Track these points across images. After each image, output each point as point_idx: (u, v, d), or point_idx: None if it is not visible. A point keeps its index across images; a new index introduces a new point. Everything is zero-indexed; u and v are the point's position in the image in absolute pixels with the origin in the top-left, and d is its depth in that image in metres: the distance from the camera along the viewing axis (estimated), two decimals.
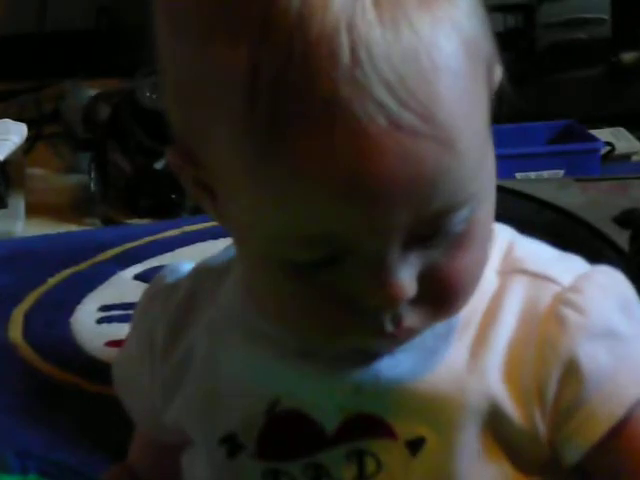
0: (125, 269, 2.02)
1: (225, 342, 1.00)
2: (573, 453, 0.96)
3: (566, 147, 2.31)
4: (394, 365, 0.95)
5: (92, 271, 2.04)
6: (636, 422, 0.95)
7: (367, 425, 0.96)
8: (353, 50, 0.80)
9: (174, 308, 1.04)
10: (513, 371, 0.95)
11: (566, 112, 2.39)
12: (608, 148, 2.37)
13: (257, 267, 0.93)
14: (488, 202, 0.92)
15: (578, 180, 2.10)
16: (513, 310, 0.96)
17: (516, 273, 0.97)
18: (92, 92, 2.37)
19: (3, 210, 2.23)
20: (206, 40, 0.86)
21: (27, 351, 1.84)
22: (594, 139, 2.35)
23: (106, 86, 2.40)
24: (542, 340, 0.95)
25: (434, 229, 0.86)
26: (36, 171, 2.36)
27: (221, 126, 0.86)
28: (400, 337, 0.91)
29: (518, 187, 1.96)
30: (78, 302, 1.93)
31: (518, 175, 2.04)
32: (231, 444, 0.99)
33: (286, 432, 0.97)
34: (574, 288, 0.95)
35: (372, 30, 0.82)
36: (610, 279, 0.98)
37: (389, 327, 0.89)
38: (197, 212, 2.17)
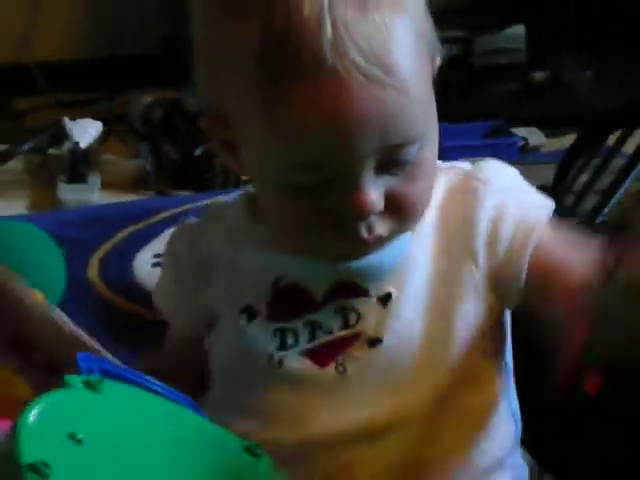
0: (171, 227, 2.02)
1: (238, 245, 1.02)
2: (515, 272, 0.97)
3: (494, 141, 2.34)
4: None
5: (148, 229, 2.04)
6: (548, 242, 0.97)
7: (346, 289, 0.98)
8: (334, 25, 0.85)
9: (189, 239, 1.06)
10: (442, 225, 0.98)
11: (494, 116, 2.39)
12: (524, 142, 2.38)
13: (269, 193, 0.95)
14: (433, 144, 0.94)
15: None
16: (441, 187, 0.99)
17: (443, 170, 1.00)
18: (149, 99, 2.37)
19: (84, 185, 2.22)
20: (226, 19, 0.90)
21: (102, 287, 1.84)
22: (514, 135, 2.39)
23: (159, 95, 2.39)
24: (464, 201, 0.99)
25: (394, 158, 0.90)
26: (108, 157, 2.35)
27: (239, 84, 0.89)
28: (372, 243, 0.93)
29: None
30: (138, 251, 1.94)
31: (460, 160, 2.02)
32: (249, 312, 1.00)
33: (287, 300, 0.99)
34: (474, 170, 1.00)
35: (348, 12, 0.85)
36: (495, 161, 1.03)
37: (364, 233, 0.91)
38: (224, 187, 2.17)
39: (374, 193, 0.90)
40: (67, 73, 2.73)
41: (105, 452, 0.82)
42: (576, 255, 0.95)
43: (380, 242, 0.94)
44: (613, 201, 1.33)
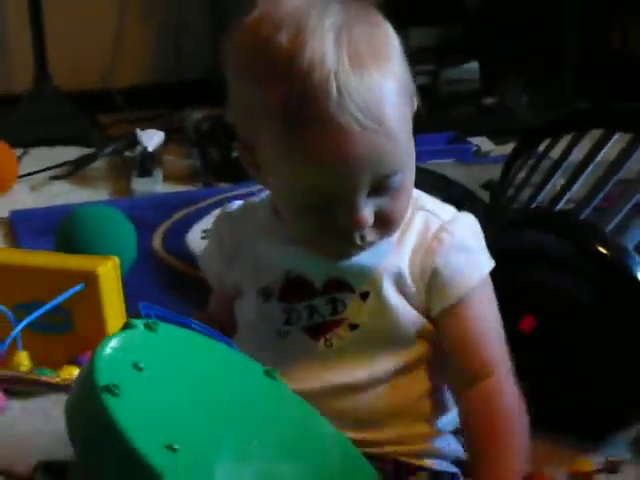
0: (216, 210, 2.01)
1: (263, 238, 1.02)
2: (436, 307, 0.98)
3: (455, 146, 2.31)
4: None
5: (197, 211, 2.02)
6: (470, 300, 0.98)
7: (337, 284, 0.99)
8: (338, 88, 0.86)
9: (231, 223, 1.06)
10: (412, 263, 0.97)
11: (455, 129, 2.36)
12: (477, 148, 2.35)
13: (285, 206, 0.96)
14: (411, 172, 0.95)
15: (461, 164, 2.08)
16: (416, 230, 0.98)
17: (419, 210, 1.00)
18: (199, 115, 2.37)
19: (150, 178, 2.20)
20: (257, 86, 0.90)
21: (163, 254, 1.84)
22: (469, 143, 2.36)
23: (206, 112, 2.38)
24: (428, 249, 0.98)
25: (383, 186, 0.92)
26: (169, 157, 2.32)
27: (267, 131, 0.90)
28: (364, 247, 0.95)
29: (430, 168, 1.94)
30: (190, 227, 1.95)
31: (429, 162, 2.01)
32: (265, 293, 1.01)
33: (294, 287, 0.98)
34: (449, 222, 0.99)
35: (348, 77, 0.86)
36: (469, 218, 1.01)
37: (358, 241, 0.94)
38: (253, 180, 2.17)
39: (367, 213, 0.91)
40: (139, 95, 2.72)
41: (160, 378, 0.82)
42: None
43: (369, 246, 0.95)
44: (543, 193, 1.33)
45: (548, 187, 1.30)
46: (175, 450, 0.73)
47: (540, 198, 1.30)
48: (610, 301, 1.18)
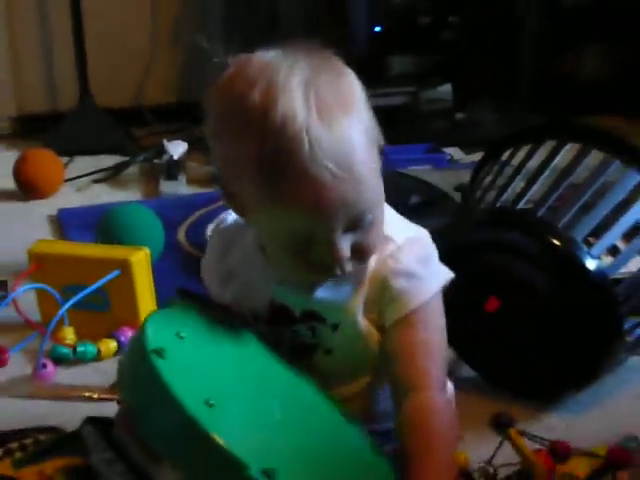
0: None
1: (250, 268, 0.96)
2: (384, 321, 0.94)
3: (432, 155, 2.26)
4: (327, 293, 0.94)
5: (216, 210, 1.97)
6: (415, 318, 0.93)
7: (312, 315, 0.94)
8: (310, 142, 0.81)
9: (224, 245, 1.00)
10: (368, 290, 0.93)
11: (432, 140, 2.33)
12: (450, 156, 2.32)
13: (269, 245, 0.92)
14: (381, 208, 0.90)
15: (437, 170, 2.07)
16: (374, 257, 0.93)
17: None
18: None
19: (176, 182, 2.18)
20: (231, 140, 0.85)
21: (186, 245, 1.83)
22: (444, 152, 2.32)
23: None
24: (378, 276, 0.93)
25: (356, 224, 0.87)
26: (191, 164, 2.29)
27: (245, 179, 0.85)
28: (343, 276, 0.90)
29: (411, 173, 1.93)
30: (209, 223, 1.91)
31: (410, 168, 2.00)
32: (255, 316, 0.97)
33: (278, 314, 0.95)
34: (399, 248, 0.93)
35: (318, 130, 0.81)
36: (419, 243, 0.95)
37: (338, 272, 0.89)
38: None
39: (344, 248, 0.87)
40: (166, 112, 2.71)
41: (197, 346, 0.83)
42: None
43: (347, 274, 0.91)
44: (506, 194, 1.33)
45: (510, 190, 1.30)
46: (212, 405, 0.74)
47: (503, 199, 1.30)
48: (561, 285, 1.19)
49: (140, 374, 0.77)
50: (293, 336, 0.95)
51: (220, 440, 0.71)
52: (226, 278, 0.99)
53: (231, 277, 0.98)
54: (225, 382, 0.81)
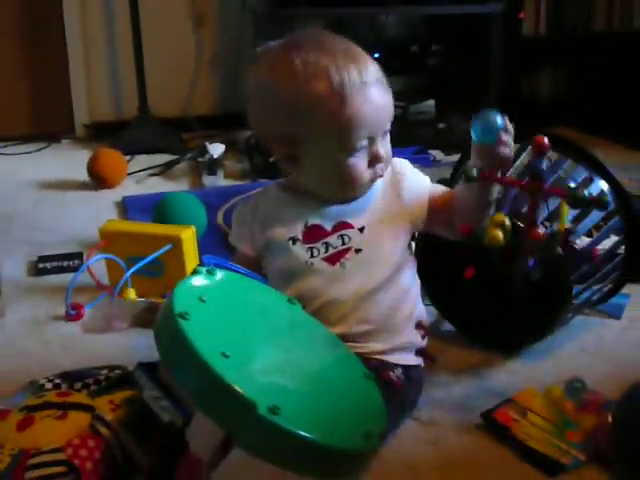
0: None
1: (281, 208, 0.98)
2: (422, 211, 0.98)
3: (419, 156, 2.25)
4: (354, 204, 0.98)
5: (246, 197, 1.94)
6: (433, 193, 0.99)
7: (342, 224, 0.95)
8: (360, 72, 0.91)
9: (252, 208, 1.03)
10: (388, 194, 0.98)
11: (419, 144, 2.32)
12: (433, 157, 2.30)
13: (325, 170, 0.95)
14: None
15: (423, 168, 2.03)
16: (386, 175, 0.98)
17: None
18: (247, 133, 2.30)
19: (215, 176, 2.16)
20: (306, 84, 0.90)
21: (224, 226, 1.81)
22: (429, 154, 2.30)
23: (252, 131, 2.34)
24: (391, 182, 0.98)
25: (385, 131, 0.94)
26: (228, 162, 2.28)
27: (315, 116, 0.90)
28: (375, 179, 0.96)
29: None
30: None
31: None
32: (293, 239, 0.98)
33: (312, 232, 0.95)
34: (399, 168, 1.00)
35: (354, 67, 0.91)
36: (409, 164, 1.02)
37: (379, 171, 0.95)
38: (285, 176, 2.13)
39: (382, 150, 0.93)
40: (208, 120, 2.70)
41: (217, 307, 0.81)
42: (442, 192, 0.99)
43: (370, 183, 0.95)
44: None
45: None
46: (228, 356, 0.72)
47: None
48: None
49: (169, 333, 0.75)
50: (326, 247, 0.96)
51: (233, 384, 0.70)
52: (263, 224, 1.00)
53: (265, 225, 1.00)
54: (240, 335, 0.79)
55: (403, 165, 1.02)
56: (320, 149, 0.92)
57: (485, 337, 1.23)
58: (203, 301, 0.79)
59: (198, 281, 0.83)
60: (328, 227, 0.97)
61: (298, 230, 0.98)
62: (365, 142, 0.92)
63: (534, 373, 1.14)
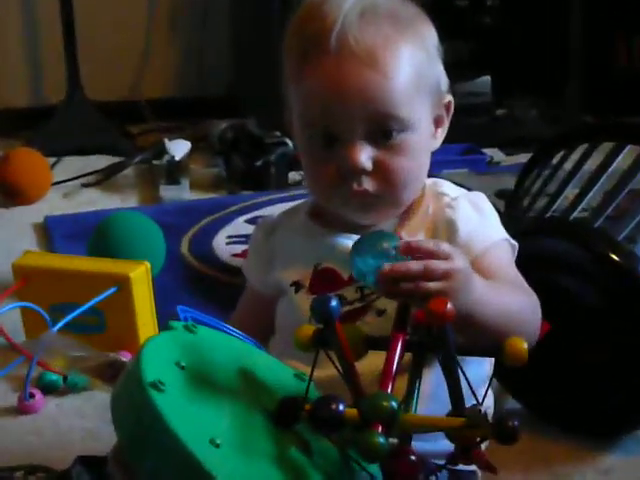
0: (240, 217, 2.04)
1: (295, 237, 1.02)
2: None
3: (469, 157, 2.29)
4: None
5: (222, 218, 2.02)
6: (489, 255, 0.96)
7: None
8: (343, 24, 0.91)
9: (266, 231, 1.06)
10: (428, 230, 0.98)
11: (470, 140, 2.35)
12: (490, 158, 2.33)
13: (301, 153, 0.98)
14: (420, 134, 0.95)
15: (474, 174, 2.07)
16: (431, 206, 0.99)
17: (434, 193, 1.00)
18: (223, 125, 2.35)
19: (177, 185, 2.20)
20: (291, 31, 0.97)
21: (190, 258, 1.85)
22: (483, 153, 2.34)
23: (230, 122, 2.36)
24: (440, 219, 0.98)
25: (380, 128, 0.92)
26: (194, 166, 2.32)
27: (289, 70, 0.96)
28: (363, 197, 0.94)
29: (446, 178, 1.92)
30: (216, 233, 1.94)
31: (444, 172, 2.00)
32: (297, 285, 1.00)
33: (323, 278, 0.98)
34: (455, 199, 0.98)
35: (354, 20, 0.91)
36: (474, 195, 1.01)
37: (355, 186, 0.93)
38: (276, 188, 2.15)
39: (363, 154, 0.91)
40: (166, 107, 2.73)
41: (199, 376, 0.82)
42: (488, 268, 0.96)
43: (368, 198, 0.94)
44: (558, 201, 1.33)
45: (562, 197, 1.30)
46: (218, 445, 0.73)
47: (555, 207, 1.30)
48: (621, 306, 1.18)
49: (136, 410, 0.76)
50: (339, 302, 0.96)
51: None
52: (271, 258, 1.04)
53: (275, 255, 1.03)
54: (230, 415, 0.80)
55: (477, 200, 1.00)
56: (295, 127, 0.98)
57: (564, 417, 1.23)
58: (182, 367, 0.80)
59: (173, 341, 0.84)
60: (345, 273, 0.97)
61: (305, 273, 0.99)
62: (319, 130, 0.94)
63: (636, 471, 1.15)
